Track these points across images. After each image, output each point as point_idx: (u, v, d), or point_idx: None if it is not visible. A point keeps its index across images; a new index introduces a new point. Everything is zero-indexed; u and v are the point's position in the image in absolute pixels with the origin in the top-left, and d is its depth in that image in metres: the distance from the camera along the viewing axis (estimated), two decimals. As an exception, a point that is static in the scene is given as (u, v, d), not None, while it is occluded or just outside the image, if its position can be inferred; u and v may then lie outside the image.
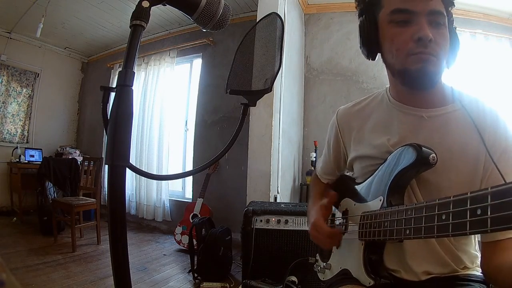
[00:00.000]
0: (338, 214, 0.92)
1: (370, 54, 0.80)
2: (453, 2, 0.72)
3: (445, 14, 0.70)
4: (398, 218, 0.59)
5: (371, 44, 0.77)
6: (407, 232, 0.56)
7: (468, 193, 0.44)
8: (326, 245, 0.85)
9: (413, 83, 0.71)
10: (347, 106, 0.95)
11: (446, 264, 0.74)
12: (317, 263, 1.00)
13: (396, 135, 0.77)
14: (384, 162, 0.75)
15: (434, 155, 0.63)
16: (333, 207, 0.95)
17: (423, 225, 0.52)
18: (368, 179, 0.81)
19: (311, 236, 0.86)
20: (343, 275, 0.82)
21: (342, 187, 0.97)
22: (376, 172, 0.78)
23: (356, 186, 0.88)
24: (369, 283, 0.70)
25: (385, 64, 0.79)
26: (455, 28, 0.75)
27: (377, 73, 3.36)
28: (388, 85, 0.86)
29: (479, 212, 0.41)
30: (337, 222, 0.91)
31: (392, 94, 0.83)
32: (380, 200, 0.71)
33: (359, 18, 0.79)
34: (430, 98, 0.76)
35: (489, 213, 0.40)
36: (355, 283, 0.75)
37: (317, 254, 1.04)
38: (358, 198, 0.83)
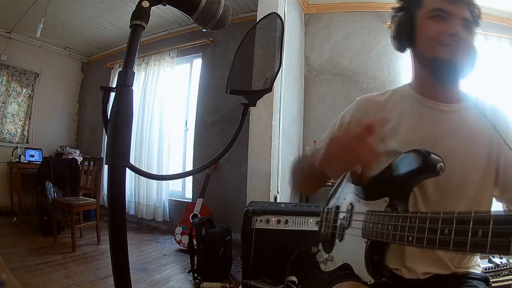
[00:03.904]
0: (343, 207, 0.90)
1: (402, 46, 0.85)
2: (479, 23, 0.79)
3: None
4: (402, 224, 0.60)
5: (406, 36, 0.82)
6: (410, 239, 0.57)
7: (472, 213, 0.46)
8: (360, 156, 0.65)
9: (442, 72, 0.77)
10: (369, 95, 0.95)
11: (446, 266, 0.77)
12: (319, 254, 1.00)
13: (420, 128, 0.80)
14: (393, 161, 0.75)
15: (442, 164, 0.63)
16: (334, 200, 0.94)
17: (425, 235, 0.53)
18: (375, 176, 0.81)
19: (328, 155, 0.69)
20: (344, 270, 0.83)
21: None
22: (384, 170, 0.78)
23: (363, 182, 0.87)
24: (370, 281, 0.71)
25: (414, 58, 0.85)
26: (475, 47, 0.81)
27: (376, 73, 3.36)
28: (409, 82, 0.90)
29: (480, 234, 0.44)
30: (341, 216, 0.90)
31: (416, 88, 0.87)
32: (385, 202, 0.72)
33: (397, 13, 0.86)
34: (449, 93, 0.82)
35: (489, 237, 0.42)
36: (357, 280, 0.75)
37: (320, 244, 1.02)
38: (363, 194, 0.83)
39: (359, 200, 0.84)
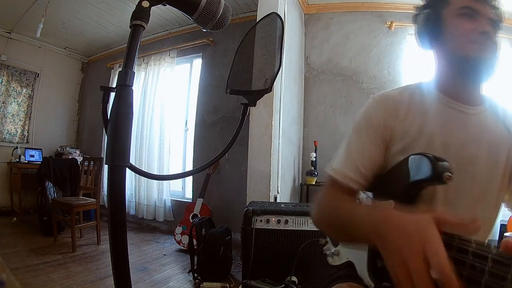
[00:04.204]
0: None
1: (429, 43, 0.83)
2: (501, 26, 0.80)
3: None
4: None
5: (434, 33, 0.81)
6: None
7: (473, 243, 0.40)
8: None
9: (471, 71, 0.75)
10: (386, 93, 0.87)
11: None
12: (327, 246, 0.97)
13: (445, 131, 0.78)
14: (401, 164, 0.72)
15: (449, 173, 0.58)
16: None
17: None
18: (387, 173, 0.79)
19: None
20: (348, 268, 0.81)
21: None
22: (392, 171, 0.76)
23: (374, 178, 0.84)
24: (370, 286, 0.70)
25: (439, 56, 0.83)
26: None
27: (376, 73, 3.36)
28: (428, 80, 0.87)
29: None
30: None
31: (440, 87, 0.83)
32: (391, 205, 0.68)
33: (422, 11, 0.85)
34: (474, 95, 0.81)
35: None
36: (358, 282, 0.75)
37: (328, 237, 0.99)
38: (371, 192, 0.81)
39: (367, 198, 0.83)
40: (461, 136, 0.77)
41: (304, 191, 3.29)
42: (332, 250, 0.91)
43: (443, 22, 0.80)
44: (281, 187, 2.66)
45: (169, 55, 4.21)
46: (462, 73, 0.77)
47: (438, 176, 0.59)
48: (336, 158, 0.84)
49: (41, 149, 4.63)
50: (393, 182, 0.74)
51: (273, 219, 1.91)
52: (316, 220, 0.82)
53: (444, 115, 0.79)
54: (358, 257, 0.77)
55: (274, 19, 0.71)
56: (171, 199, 4.08)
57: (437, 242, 0.42)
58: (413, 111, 0.81)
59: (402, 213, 0.51)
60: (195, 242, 2.63)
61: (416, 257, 0.42)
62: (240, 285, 1.92)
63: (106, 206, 3.84)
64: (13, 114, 4.57)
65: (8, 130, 4.52)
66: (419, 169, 0.64)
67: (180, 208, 3.80)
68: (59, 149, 4.97)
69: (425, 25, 0.83)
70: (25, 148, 4.50)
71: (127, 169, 0.52)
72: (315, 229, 1.88)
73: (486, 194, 0.77)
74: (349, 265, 0.81)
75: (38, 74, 4.84)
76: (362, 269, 0.74)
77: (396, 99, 0.83)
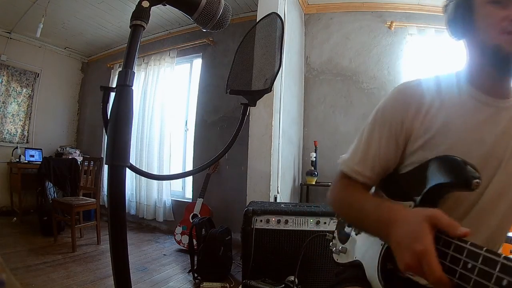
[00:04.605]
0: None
1: (459, 33, 0.78)
2: None
3: None
4: None
5: (465, 21, 0.76)
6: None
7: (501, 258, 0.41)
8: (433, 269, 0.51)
9: (503, 63, 0.70)
10: (413, 82, 0.82)
11: None
12: (333, 242, 0.94)
13: (476, 127, 0.73)
14: (426, 164, 0.69)
15: (479, 180, 0.56)
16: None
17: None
18: (410, 171, 0.75)
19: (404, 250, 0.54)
20: (355, 269, 0.78)
21: None
22: (414, 171, 0.73)
23: (391, 177, 0.81)
24: None
25: (470, 46, 0.78)
26: None
27: (376, 73, 3.36)
28: (458, 71, 0.82)
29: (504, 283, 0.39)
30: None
31: (470, 79, 0.78)
32: (410, 206, 0.66)
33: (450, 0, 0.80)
34: (506, 88, 0.76)
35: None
36: (366, 286, 0.72)
37: (335, 232, 0.96)
38: (389, 191, 0.78)
39: (382, 195, 0.79)
40: (494, 132, 0.72)
41: (304, 191, 3.29)
42: (340, 247, 0.88)
43: (474, 10, 0.74)
44: (281, 187, 2.66)
45: (169, 55, 4.21)
46: (494, 65, 0.72)
47: (466, 182, 0.56)
48: (351, 152, 0.83)
49: (41, 149, 4.63)
50: (414, 183, 0.70)
51: (273, 219, 1.91)
52: (332, 207, 0.86)
53: (475, 110, 0.74)
54: (368, 258, 0.74)
55: (274, 19, 0.70)
56: (171, 199, 4.08)
57: (426, 240, 0.50)
58: (438, 105, 0.76)
59: (402, 211, 0.61)
60: (195, 242, 2.63)
61: (412, 255, 0.51)
62: (240, 285, 1.92)
63: (106, 206, 3.84)
64: (13, 114, 4.57)
65: (8, 130, 4.52)
66: (446, 173, 0.60)
67: (180, 208, 3.81)
68: (59, 149, 4.97)
69: (455, 14, 0.77)
70: (25, 148, 4.50)
71: (127, 169, 0.52)
72: (315, 229, 1.89)
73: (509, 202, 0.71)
74: (357, 265, 0.78)
75: (38, 74, 4.84)
76: (371, 272, 0.70)
77: (419, 92, 0.78)
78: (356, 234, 0.83)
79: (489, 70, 0.73)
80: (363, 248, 0.78)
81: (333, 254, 0.90)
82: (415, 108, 0.76)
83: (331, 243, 0.94)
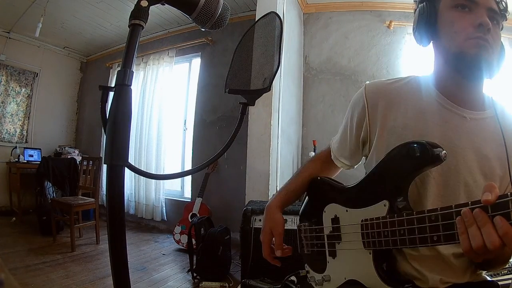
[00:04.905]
0: (327, 222, 0.84)
1: (425, 39, 0.78)
2: (506, 16, 0.73)
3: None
4: (418, 226, 0.57)
5: (428, 28, 0.76)
6: (435, 238, 0.54)
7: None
8: (264, 250, 0.93)
9: (468, 68, 0.69)
10: (379, 81, 0.86)
11: (462, 274, 0.72)
12: (309, 275, 0.92)
13: (440, 133, 0.73)
14: (385, 159, 0.70)
15: (445, 151, 0.60)
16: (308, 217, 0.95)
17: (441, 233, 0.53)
18: (362, 181, 0.76)
19: (263, 233, 0.93)
20: (352, 285, 0.76)
21: (325, 191, 0.88)
22: (372, 171, 0.74)
23: (346, 189, 0.81)
24: None
25: (436, 52, 0.78)
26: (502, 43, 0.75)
27: (375, 72, 3.36)
28: (428, 75, 0.82)
29: None
30: (326, 231, 0.84)
31: (437, 85, 0.78)
32: (385, 206, 0.67)
33: (418, 5, 0.80)
34: (474, 97, 0.75)
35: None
36: None
37: (306, 265, 0.95)
38: (351, 203, 0.77)
39: (346, 210, 0.78)
40: (456, 142, 0.71)
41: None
42: (320, 277, 0.85)
43: (438, 15, 0.74)
44: (280, 186, 2.66)
45: (168, 54, 4.21)
46: (459, 72, 0.72)
47: (435, 156, 0.60)
48: (337, 136, 0.97)
49: (40, 149, 4.62)
50: (382, 181, 0.71)
51: (272, 218, 1.91)
52: None
53: (441, 116, 0.74)
54: (361, 271, 0.73)
55: (273, 18, 0.70)
56: (169, 199, 4.08)
57: (278, 223, 0.92)
58: (405, 105, 0.77)
59: (272, 202, 0.95)
60: (194, 242, 2.63)
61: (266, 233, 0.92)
62: (239, 285, 1.92)
63: (105, 205, 3.83)
64: (12, 114, 4.56)
65: (7, 129, 4.51)
66: (412, 155, 0.63)
67: (179, 207, 3.80)
68: (58, 149, 4.96)
69: (421, 20, 0.77)
70: (24, 147, 4.49)
71: (126, 168, 0.51)
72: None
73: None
74: (351, 283, 0.76)
75: (37, 73, 4.83)
76: (373, 281, 0.69)
77: (388, 91, 0.81)
78: (334, 258, 0.82)
79: (455, 76, 0.73)
80: (349, 266, 0.77)
81: (316, 287, 0.88)
82: (383, 106, 0.79)
83: (308, 277, 0.92)
